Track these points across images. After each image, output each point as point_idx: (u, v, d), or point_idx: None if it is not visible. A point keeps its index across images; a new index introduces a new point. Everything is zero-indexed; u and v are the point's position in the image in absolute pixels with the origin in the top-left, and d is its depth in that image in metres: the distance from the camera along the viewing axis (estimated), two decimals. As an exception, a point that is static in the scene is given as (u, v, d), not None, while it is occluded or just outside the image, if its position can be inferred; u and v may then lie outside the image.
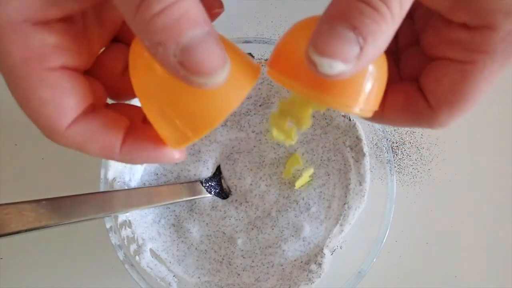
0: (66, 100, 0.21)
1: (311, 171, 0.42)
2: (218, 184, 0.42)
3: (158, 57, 0.18)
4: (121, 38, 0.25)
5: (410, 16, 0.26)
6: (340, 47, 0.18)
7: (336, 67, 0.18)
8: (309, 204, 0.41)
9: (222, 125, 0.43)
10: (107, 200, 0.33)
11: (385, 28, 0.19)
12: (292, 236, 0.41)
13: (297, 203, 0.42)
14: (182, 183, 0.41)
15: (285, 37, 0.23)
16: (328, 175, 0.42)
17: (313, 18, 0.22)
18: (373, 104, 0.23)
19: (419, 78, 0.24)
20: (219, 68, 0.18)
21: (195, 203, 0.42)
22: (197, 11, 0.18)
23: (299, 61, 0.20)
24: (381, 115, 0.25)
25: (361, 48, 0.18)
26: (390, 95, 0.24)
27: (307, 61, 0.19)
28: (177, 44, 0.17)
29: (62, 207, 0.29)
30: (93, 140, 0.22)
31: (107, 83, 0.24)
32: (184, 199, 0.41)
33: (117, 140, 0.22)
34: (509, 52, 0.22)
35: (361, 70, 0.19)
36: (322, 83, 0.21)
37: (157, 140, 0.22)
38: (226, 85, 0.19)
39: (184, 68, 0.18)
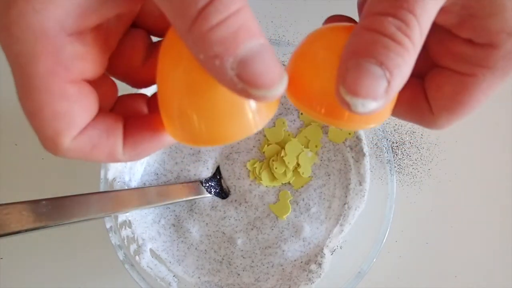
0: (81, 114, 0.20)
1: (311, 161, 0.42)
2: (218, 184, 0.42)
3: (214, 70, 0.17)
4: (140, 23, 0.24)
5: None
6: (371, 86, 0.19)
7: (369, 106, 0.19)
8: (309, 205, 0.41)
9: None
10: (107, 200, 0.33)
11: (408, 59, 0.19)
12: (292, 236, 0.41)
13: (297, 204, 0.41)
14: (182, 183, 0.41)
15: (303, 55, 0.22)
16: (328, 175, 0.42)
17: (328, 28, 0.22)
18: (387, 116, 0.24)
19: (425, 78, 0.26)
20: (277, 81, 0.18)
21: (195, 203, 0.42)
22: (253, 23, 0.17)
23: (322, 92, 0.21)
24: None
25: (389, 82, 0.19)
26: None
27: (339, 100, 0.19)
28: (234, 57, 0.17)
29: (62, 207, 0.29)
30: (99, 147, 0.21)
31: (126, 73, 0.24)
32: (184, 199, 0.40)
33: (119, 141, 0.22)
34: (508, 68, 0.23)
35: (390, 102, 0.20)
36: (344, 112, 0.21)
37: (154, 127, 0.22)
38: (259, 104, 0.19)
39: (242, 81, 0.17)
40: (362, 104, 0.19)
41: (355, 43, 0.20)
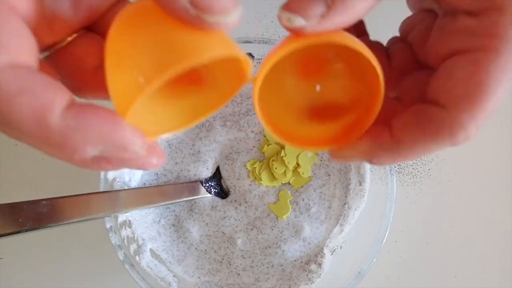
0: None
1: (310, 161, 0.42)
2: (218, 184, 0.42)
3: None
4: (97, 29, 0.22)
5: (403, 40, 0.26)
6: (305, 4, 0.19)
7: (294, 20, 0.19)
8: (309, 205, 0.41)
9: (221, 125, 0.43)
10: (107, 200, 0.33)
11: None
12: (292, 236, 0.41)
13: (297, 204, 0.41)
14: (182, 183, 0.41)
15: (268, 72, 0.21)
16: (328, 175, 0.42)
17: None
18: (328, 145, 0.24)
19: (425, 94, 0.22)
20: (231, 7, 0.18)
21: (195, 203, 0.42)
22: None
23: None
24: (395, 142, 0.22)
25: (329, 7, 0.19)
26: (397, 121, 0.22)
27: (278, 18, 0.20)
28: None
29: (62, 207, 0.29)
30: (30, 90, 0.17)
31: (73, 73, 0.22)
32: (184, 199, 0.40)
33: (59, 99, 0.18)
34: None
35: (326, 30, 0.20)
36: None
37: (113, 116, 0.19)
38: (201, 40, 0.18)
39: (195, 7, 0.17)
40: (288, 18, 0.19)
41: None
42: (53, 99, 0.17)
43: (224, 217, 0.42)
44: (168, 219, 0.42)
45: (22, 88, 0.17)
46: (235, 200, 0.42)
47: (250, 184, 0.42)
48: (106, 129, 0.18)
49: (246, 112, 0.43)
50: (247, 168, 0.42)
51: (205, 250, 0.42)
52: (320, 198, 0.41)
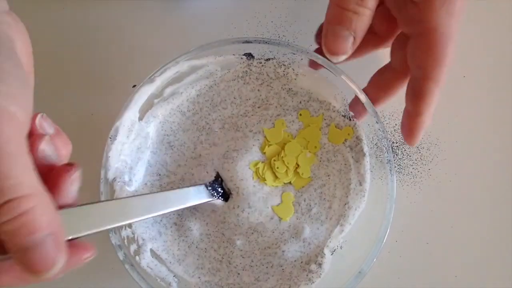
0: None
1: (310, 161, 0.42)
2: (220, 186, 0.41)
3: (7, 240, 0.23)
4: None
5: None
6: (341, 46, 0.34)
7: (339, 59, 0.35)
8: (310, 205, 0.41)
9: (220, 128, 0.42)
10: (111, 209, 0.32)
11: (366, 19, 0.33)
12: (293, 237, 0.41)
13: (299, 205, 0.41)
14: (189, 186, 0.40)
15: None
16: (328, 175, 0.42)
17: None
18: None
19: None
20: (52, 266, 0.23)
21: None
22: (40, 218, 0.23)
23: None
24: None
25: (354, 38, 0.33)
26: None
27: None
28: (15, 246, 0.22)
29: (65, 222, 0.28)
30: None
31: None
32: (191, 204, 0.38)
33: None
34: (451, 10, 0.31)
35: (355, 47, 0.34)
36: None
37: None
38: None
39: (22, 264, 0.23)
40: (336, 59, 0.35)
41: (330, 14, 0.33)
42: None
43: (224, 222, 0.41)
44: (169, 218, 0.42)
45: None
46: (238, 206, 0.41)
47: (254, 185, 0.41)
48: None
49: (244, 113, 0.43)
50: (250, 169, 0.41)
51: (205, 248, 0.41)
52: (320, 198, 0.41)
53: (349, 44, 0.33)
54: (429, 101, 0.34)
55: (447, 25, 0.31)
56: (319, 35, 0.37)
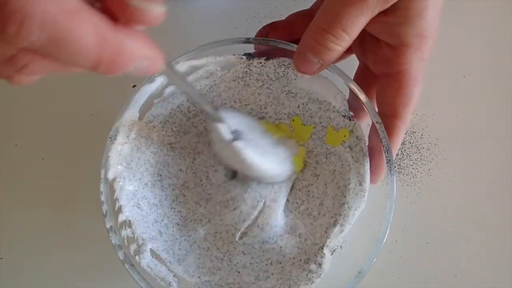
0: None
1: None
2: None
3: None
4: None
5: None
6: (309, 68, 0.36)
7: (305, 77, 0.38)
8: (297, 203, 0.42)
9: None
10: None
11: (336, 54, 0.34)
12: (288, 233, 0.41)
13: (288, 202, 0.42)
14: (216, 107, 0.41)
15: None
16: (317, 176, 0.42)
17: None
18: None
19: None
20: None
21: (205, 203, 0.42)
22: None
23: None
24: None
25: (321, 65, 0.35)
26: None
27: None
28: None
29: None
30: (86, 11, 0.19)
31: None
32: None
33: (107, 21, 0.20)
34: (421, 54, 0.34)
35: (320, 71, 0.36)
36: None
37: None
38: None
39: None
40: (301, 76, 0.39)
41: (306, 41, 0.35)
42: (105, 18, 0.20)
43: (235, 208, 0.42)
44: (172, 218, 0.42)
45: (81, 7, 0.19)
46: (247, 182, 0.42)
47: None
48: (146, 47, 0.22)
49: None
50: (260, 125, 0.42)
51: (208, 247, 0.42)
52: (308, 195, 0.42)
53: (315, 68, 0.35)
54: (397, 139, 0.37)
55: (418, 69, 0.34)
56: (261, 32, 0.42)
